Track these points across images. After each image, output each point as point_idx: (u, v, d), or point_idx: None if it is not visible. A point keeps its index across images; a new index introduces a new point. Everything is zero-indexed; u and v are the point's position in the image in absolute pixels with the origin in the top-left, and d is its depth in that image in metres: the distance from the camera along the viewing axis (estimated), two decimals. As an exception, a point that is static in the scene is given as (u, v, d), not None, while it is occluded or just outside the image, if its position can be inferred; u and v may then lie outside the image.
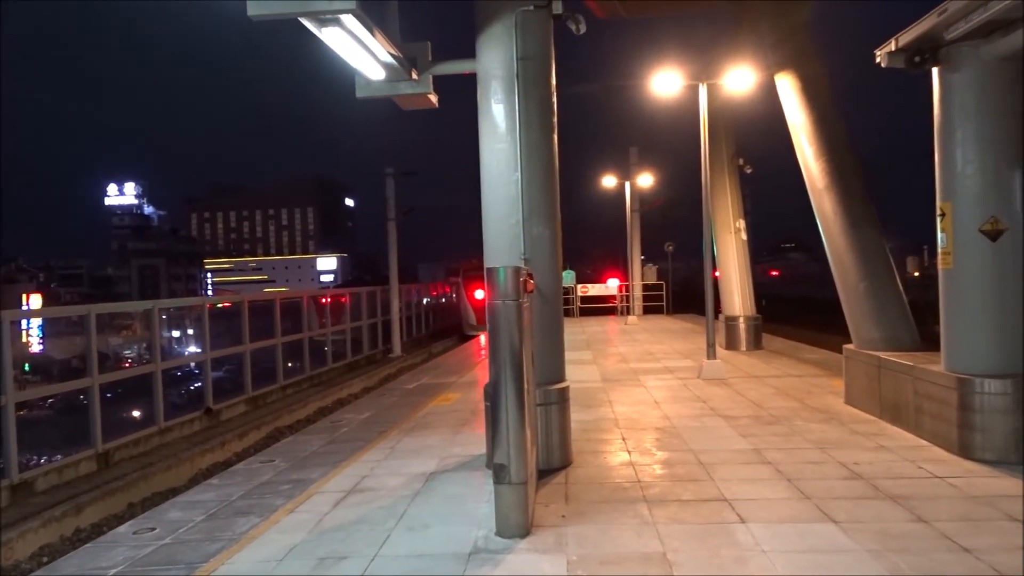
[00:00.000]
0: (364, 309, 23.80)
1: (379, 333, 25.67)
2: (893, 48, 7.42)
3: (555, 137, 7.25)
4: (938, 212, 7.36)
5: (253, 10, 5.25)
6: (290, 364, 18.18)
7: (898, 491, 6.05)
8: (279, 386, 16.50)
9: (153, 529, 5.88)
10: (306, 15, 5.43)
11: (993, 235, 6.96)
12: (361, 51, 6.44)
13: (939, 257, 7.41)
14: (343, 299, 22.51)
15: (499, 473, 5.19)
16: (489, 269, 5.25)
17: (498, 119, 7.05)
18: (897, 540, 5.02)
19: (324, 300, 22.30)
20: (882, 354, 8.90)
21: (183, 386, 22.84)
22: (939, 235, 7.37)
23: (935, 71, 7.27)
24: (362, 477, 7.02)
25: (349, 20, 5.69)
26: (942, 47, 7.07)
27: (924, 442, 7.61)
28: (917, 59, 7.14)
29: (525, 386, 5.28)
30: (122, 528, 6.05)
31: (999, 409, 6.84)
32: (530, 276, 6.13)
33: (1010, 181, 6.98)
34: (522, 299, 5.31)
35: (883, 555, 4.77)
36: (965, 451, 6.99)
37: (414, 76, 7.41)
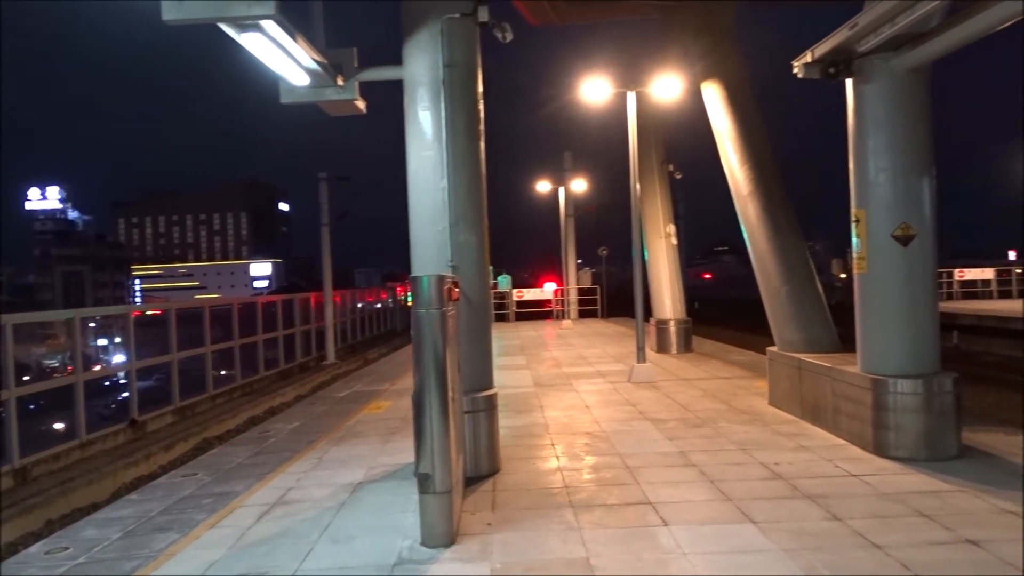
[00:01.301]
0: (298, 316, 23.46)
1: (313, 340, 25.33)
2: (809, 59, 7.65)
3: (482, 144, 7.26)
4: (853, 218, 7.59)
5: (169, 14, 5.14)
6: (223, 372, 17.81)
7: (815, 490, 6.22)
8: (208, 395, 16.12)
9: (67, 548, 5.68)
10: (224, 20, 5.33)
11: (904, 240, 7.22)
12: (284, 57, 6.34)
13: (854, 262, 7.65)
14: (276, 305, 22.15)
15: (424, 482, 5.17)
16: (412, 278, 5.24)
17: (425, 126, 7.03)
18: (813, 539, 5.15)
19: (256, 306, 21.89)
20: (802, 356, 9.14)
21: (110, 397, 22.16)
22: (854, 240, 7.61)
23: (849, 82, 7.52)
24: (288, 489, 6.91)
25: (270, 26, 5.60)
26: (855, 59, 7.31)
27: (842, 441, 7.84)
28: (832, 70, 7.37)
29: (450, 394, 5.27)
30: (34, 548, 5.83)
31: (910, 408, 7.09)
32: (456, 283, 6.12)
33: (919, 188, 7.25)
34: (446, 307, 5.30)
35: (799, 554, 4.90)
36: (879, 449, 7.22)
37: (340, 82, 7.33)
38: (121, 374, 13.32)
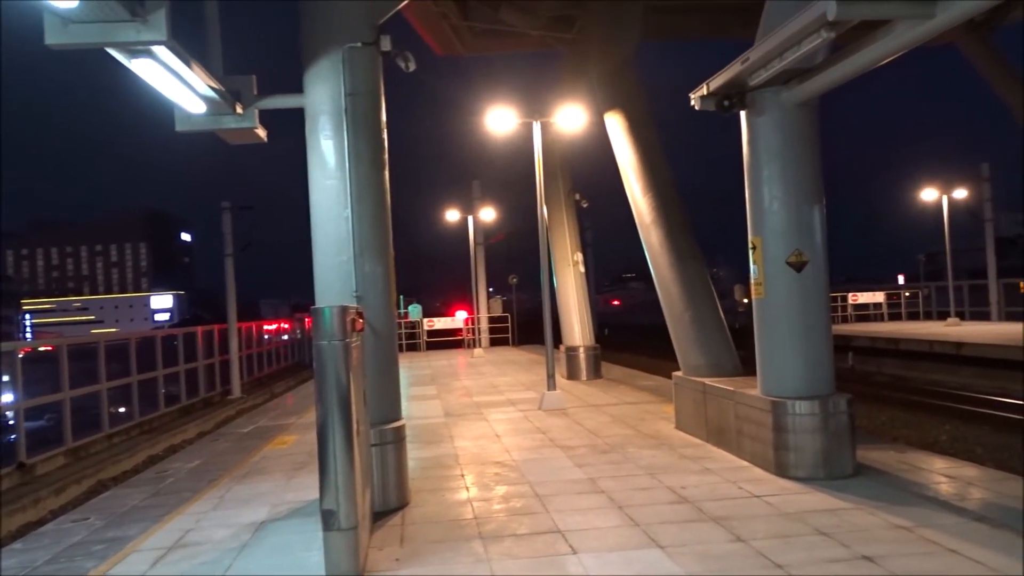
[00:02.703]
0: (201, 349, 22.72)
1: (217, 374, 24.57)
2: (705, 92, 7.91)
3: (386, 173, 7.21)
4: (750, 245, 7.85)
5: (52, 38, 4.93)
6: (120, 410, 17.04)
7: (720, 512, 6.33)
8: (104, 435, 15.37)
9: (-61, 605, 5.28)
10: (112, 45, 5.15)
11: (798, 267, 7.49)
12: (178, 84, 6.17)
13: (752, 287, 7.90)
14: (178, 339, 21.39)
15: (328, 519, 5.03)
16: (314, 309, 5.13)
17: (327, 155, 6.94)
18: (717, 561, 5.23)
19: (156, 340, 21.09)
20: (707, 380, 9.35)
21: (-5, 439, 20.86)
22: (752, 267, 7.86)
23: (743, 114, 7.81)
24: (186, 531, 6.62)
25: (162, 51, 5.45)
26: (747, 92, 7.60)
27: (745, 463, 8.03)
28: (726, 103, 7.64)
29: (355, 427, 5.16)
30: (-98, 606, 5.40)
31: (808, 429, 7.32)
32: (360, 314, 6.03)
33: (811, 216, 7.55)
34: (350, 338, 5.21)
35: (704, 576, 4.96)
36: (781, 470, 7.42)
37: (239, 110, 7.18)
38: (9, 414, 12.55)
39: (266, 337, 33.10)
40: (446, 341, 31.95)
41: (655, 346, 31.83)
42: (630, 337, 48.79)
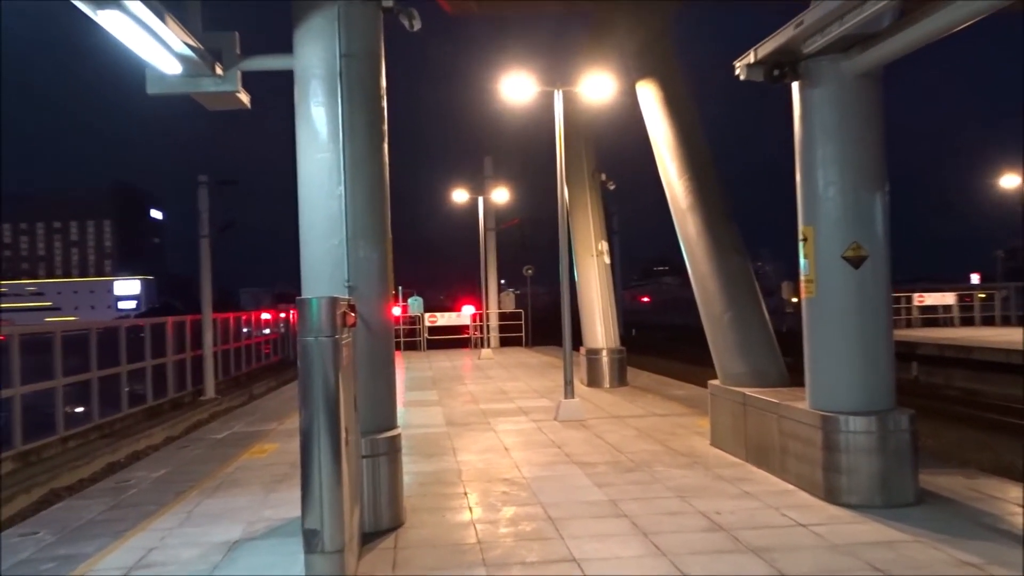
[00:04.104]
0: (171, 343, 22.89)
1: (188, 371, 24.75)
2: (752, 60, 7.88)
3: (385, 146, 7.23)
4: (800, 236, 7.82)
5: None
6: (78, 410, 17.20)
7: (759, 542, 6.33)
8: (59, 437, 15.55)
9: None
10: (77, -5, 5.18)
11: (855, 262, 7.46)
12: (151, 40, 6.20)
13: (802, 285, 7.87)
14: (145, 330, 21.53)
15: (310, 540, 5.06)
16: (300, 300, 5.15)
17: (318, 125, 6.96)
18: (755, 597, 5.24)
19: (120, 331, 21.24)
20: (747, 390, 9.34)
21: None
22: (802, 261, 7.84)
23: (795, 86, 7.77)
24: (149, 550, 6.67)
25: (133, 3, 5.47)
26: (801, 61, 7.56)
27: (790, 486, 8.02)
28: (776, 72, 7.60)
29: (343, 436, 5.19)
30: None
31: (863, 449, 7.30)
32: (352, 307, 6.05)
33: (871, 204, 7.52)
34: (340, 334, 5.23)
35: (739, 615, 4.96)
36: (830, 495, 7.41)
37: (219, 72, 7.21)
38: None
39: (245, 331, 33.30)
40: (450, 340, 32.01)
41: (689, 350, 31.75)
42: (661, 339, 48.81)
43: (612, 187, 17.93)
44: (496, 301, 31.84)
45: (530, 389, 17.29)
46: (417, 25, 7.11)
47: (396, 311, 29.87)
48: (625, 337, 18.17)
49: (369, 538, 6.67)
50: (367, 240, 7.00)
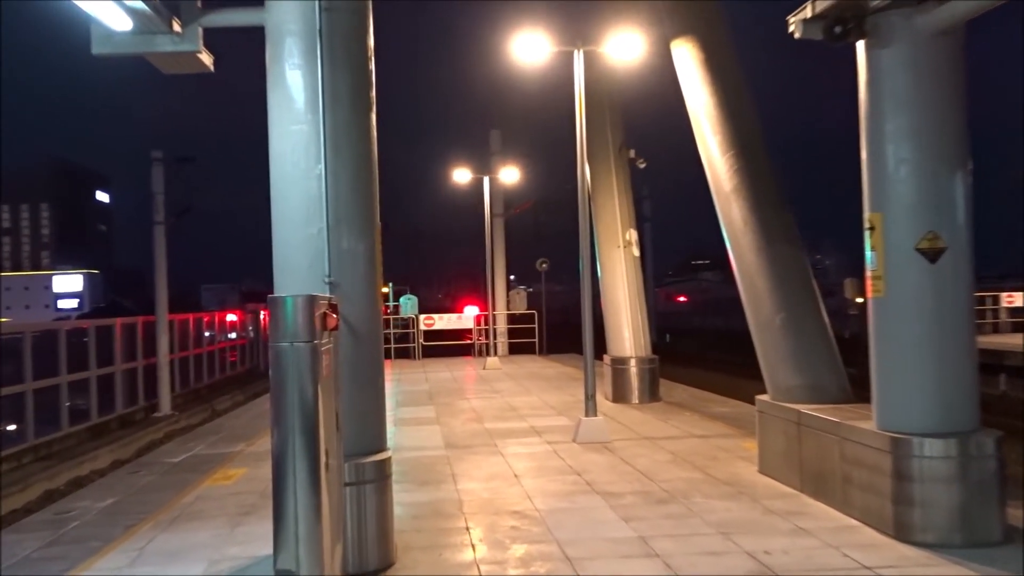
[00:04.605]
0: (120, 349, 22.97)
1: (141, 383, 24.82)
2: (809, 15, 7.87)
3: (373, 117, 7.25)
4: (866, 224, 7.81)
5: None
6: (11, 427, 17.28)
7: (816, 588, 6.33)
8: (-14, 461, 15.62)
9: None
10: (10, -62, 5.20)
11: (932, 254, 7.45)
12: (96, -10, 6.22)
13: (868, 282, 7.86)
14: (88, 334, 21.61)
15: (284, 582, 5.07)
16: (272, 299, 5.16)
17: (294, 91, 6.98)
18: (811, 653, 5.23)
19: (60, 335, 21.33)
20: (802, 407, 9.32)
21: None
22: (868, 254, 7.82)
23: (860, 46, 7.75)
24: (94, 592, 6.71)
25: (76, -53, 5.49)
26: (868, 15, 7.54)
27: (853, 521, 8.01)
28: (837, 29, 7.58)
29: (323, 460, 5.20)
30: None
31: (941, 478, 7.28)
32: (334, 307, 6.06)
33: (951, 187, 7.50)
34: (319, 339, 5.24)
35: (792, 674, 4.96)
36: (901, 532, 7.40)
37: (176, 28, 7.22)
38: None
39: (208, 335, 33.40)
40: (449, 346, 32.04)
41: (734, 360, 31.75)
42: (700, 347, 48.77)
43: (643, 165, 17.92)
44: (504, 301, 31.85)
45: (544, 405, 17.31)
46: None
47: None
48: (658, 344, 18.17)
49: (353, 581, 6.70)
50: (351, 228, 7.01)
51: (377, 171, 7.32)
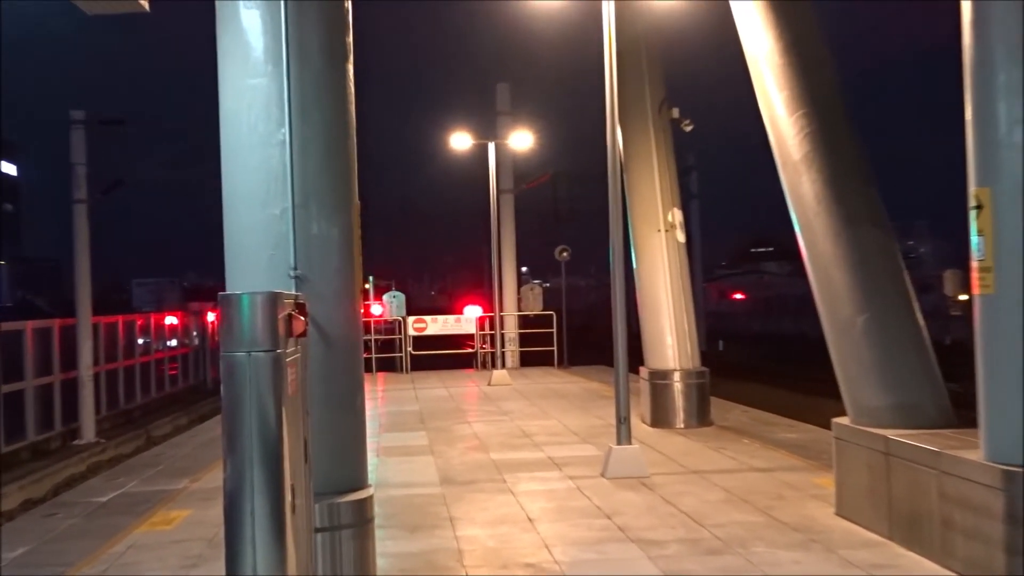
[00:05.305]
0: (29, 359, 23.02)
1: (57, 403, 24.87)
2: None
3: (350, 69, 7.25)
4: (971, 202, 7.78)
5: None
6: None
7: (909, 660, 6.34)
8: None
9: None
10: None
11: (1057, 241, 7.42)
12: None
13: (974, 275, 7.83)
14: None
15: (240, 653, 5.09)
16: (223, 297, 5.16)
17: (251, 35, 6.99)
18: None
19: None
20: (891, 433, 9.30)
21: None
22: (974, 239, 7.80)
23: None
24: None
25: None
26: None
27: (955, 576, 8.01)
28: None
29: (287, 499, 5.21)
30: None
31: (1067, 522, 7.27)
32: (302, 308, 6.07)
33: (1080, 155, 7.47)
34: (284, 348, 5.25)
35: None
36: (1016, 591, 7.39)
37: (102, -44, 7.26)
38: None
39: (142, 342, 33.46)
40: (446, 356, 32.01)
41: (804, 372, 31.69)
42: (761, 356, 48.69)
43: (689, 128, 17.89)
44: (515, 299, 31.83)
45: (565, 430, 17.31)
46: None
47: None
48: (708, 352, 18.14)
49: (326, 651, 6.72)
50: (323, 208, 7.02)
51: (354, 137, 7.33)
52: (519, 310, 32.30)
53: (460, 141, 30.58)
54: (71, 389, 25.40)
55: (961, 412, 9.59)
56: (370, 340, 29.89)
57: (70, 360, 25.48)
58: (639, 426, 15.83)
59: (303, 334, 6.01)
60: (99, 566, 9.26)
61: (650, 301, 17.59)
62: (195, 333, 40.51)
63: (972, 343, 8.00)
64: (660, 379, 17.28)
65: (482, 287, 33.86)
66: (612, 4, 13.42)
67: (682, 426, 16.93)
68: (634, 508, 10.94)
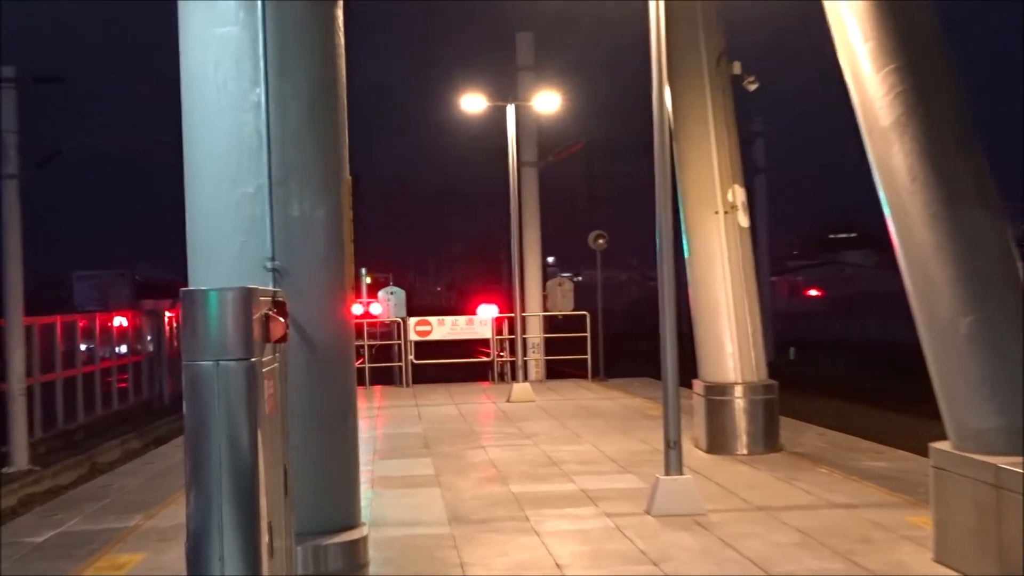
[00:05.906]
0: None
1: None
2: None
3: (340, 14, 7.27)
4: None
5: None
6: None
7: None
8: None
9: None
10: None
11: None
12: None
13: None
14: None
15: None
16: (185, 294, 5.18)
17: (218, -25, 7.03)
18: None
19: None
20: (1003, 461, 9.28)
21: None
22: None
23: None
24: None
25: None
26: None
27: (1081, 638, 8.00)
28: None
29: (264, 540, 5.23)
30: None
31: None
32: (281, 307, 6.09)
33: None
34: (260, 355, 5.27)
35: None
36: None
37: None
38: None
39: (85, 348, 33.56)
40: (455, 366, 32.07)
41: (896, 386, 31.63)
42: (843, 365, 48.59)
43: (754, 87, 17.86)
44: (539, 296, 31.85)
45: (602, 457, 17.32)
46: None
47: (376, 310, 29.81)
48: (777, 362, 18.11)
49: None
50: (306, 186, 7.06)
51: (345, 100, 7.35)
52: (544, 310, 32.31)
53: (473, 103, 30.56)
54: (-1, 405, 25.54)
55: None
56: (363, 346, 29.95)
57: (-1, 370, 25.62)
58: (692, 452, 15.82)
59: (283, 339, 6.03)
60: (34, 621, 9.31)
61: (706, 299, 17.58)
62: (149, 337, 40.56)
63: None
64: (718, 395, 17.25)
65: (499, 282, 33.91)
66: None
67: (745, 452, 16.92)
68: (686, 552, 10.94)
